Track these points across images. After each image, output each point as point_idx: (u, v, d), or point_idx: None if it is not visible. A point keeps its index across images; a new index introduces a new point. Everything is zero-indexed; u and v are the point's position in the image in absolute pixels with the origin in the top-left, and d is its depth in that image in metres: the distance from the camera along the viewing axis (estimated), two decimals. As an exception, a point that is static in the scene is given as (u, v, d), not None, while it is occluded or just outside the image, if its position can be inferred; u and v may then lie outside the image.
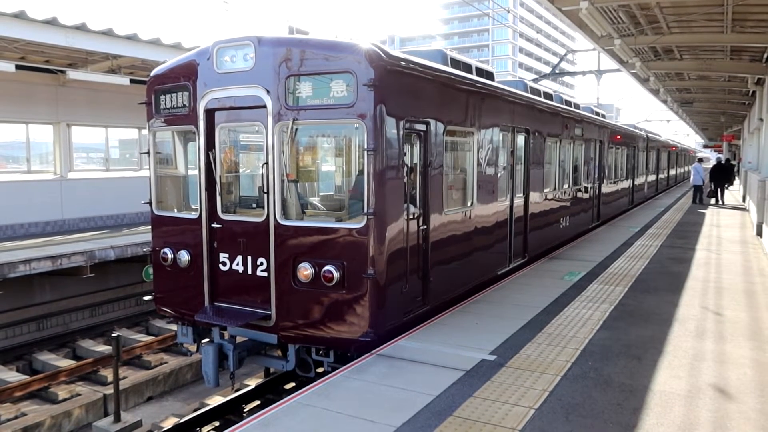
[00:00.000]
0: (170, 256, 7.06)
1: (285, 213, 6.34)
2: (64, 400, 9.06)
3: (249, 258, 6.51)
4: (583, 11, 12.71)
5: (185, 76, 6.87)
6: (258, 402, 7.97)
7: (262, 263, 6.43)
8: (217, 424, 7.56)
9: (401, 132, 6.31)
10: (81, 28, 12.92)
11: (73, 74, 14.01)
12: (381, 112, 5.92)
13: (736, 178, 34.40)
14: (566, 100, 13.89)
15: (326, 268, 6.00)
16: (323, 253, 6.10)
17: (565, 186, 13.20)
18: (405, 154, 6.42)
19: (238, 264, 6.59)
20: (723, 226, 16.72)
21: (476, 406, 4.73)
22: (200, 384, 9.56)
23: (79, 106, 15.37)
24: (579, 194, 14.35)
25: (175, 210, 7.44)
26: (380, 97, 5.88)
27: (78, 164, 16.33)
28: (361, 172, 6.11)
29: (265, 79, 6.22)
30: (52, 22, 12.34)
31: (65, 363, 10.39)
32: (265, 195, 6.32)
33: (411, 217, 6.64)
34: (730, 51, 17.16)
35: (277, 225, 6.28)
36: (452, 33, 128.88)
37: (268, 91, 6.20)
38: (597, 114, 16.98)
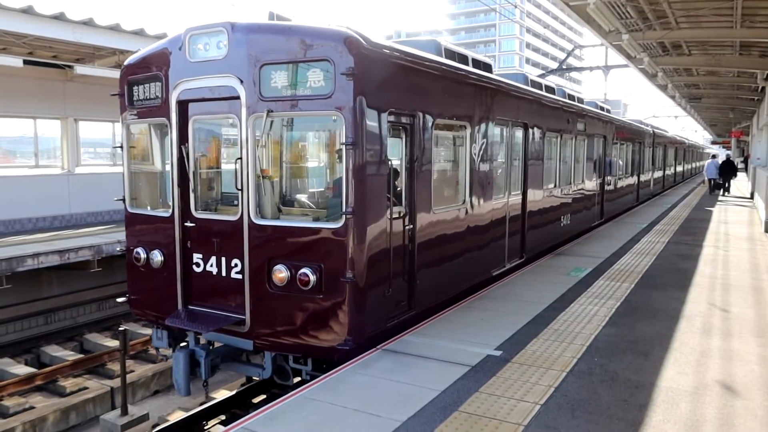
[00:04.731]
0: (143, 256, 6.76)
1: (259, 212, 5.98)
2: (72, 393, 9.13)
3: (223, 259, 6.17)
4: (590, 6, 12.66)
5: (157, 65, 6.51)
6: (264, 396, 8.01)
7: (236, 265, 6.08)
8: (223, 417, 7.60)
9: (384, 125, 5.92)
10: (88, 23, 12.96)
11: (80, 69, 14.06)
12: (361, 103, 5.53)
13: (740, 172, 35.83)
14: (569, 94, 13.49)
15: (302, 270, 5.65)
16: (299, 254, 5.75)
17: (567, 183, 12.71)
18: (389, 149, 6.05)
19: (212, 265, 6.27)
20: (731, 223, 16.63)
21: (482, 401, 4.73)
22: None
23: (87, 101, 15.43)
24: (581, 191, 13.95)
25: (149, 207, 7.13)
26: (360, 87, 5.49)
27: (85, 159, 16.41)
28: (339, 169, 5.75)
29: (239, 68, 5.84)
30: (59, 17, 12.39)
31: (73, 356, 10.46)
32: (239, 192, 5.98)
33: (396, 216, 6.28)
34: (739, 46, 17.03)
35: (251, 224, 5.92)
36: (459, 28, 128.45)
37: (241, 81, 5.83)
38: (601, 109, 16.62)
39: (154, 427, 7.75)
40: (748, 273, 9.76)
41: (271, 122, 5.91)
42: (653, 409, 4.60)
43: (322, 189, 6.87)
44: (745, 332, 6.59)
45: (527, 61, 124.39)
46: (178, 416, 7.68)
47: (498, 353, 5.81)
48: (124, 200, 7.11)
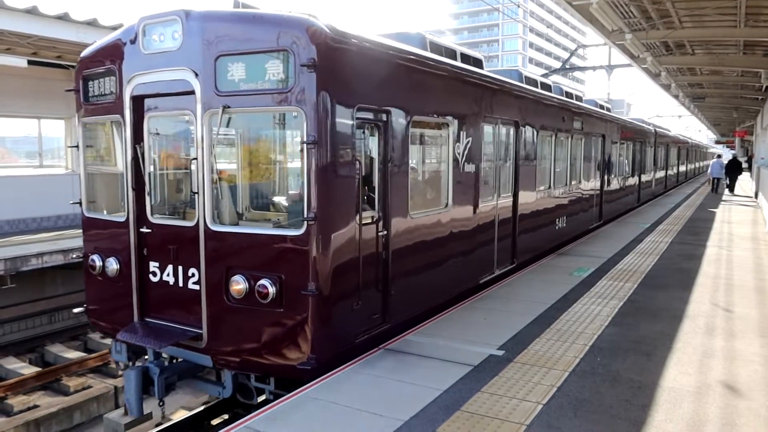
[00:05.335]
0: (98, 263, 6.33)
1: (216, 217, 5.54)
2: (76, 392, 9.17)
3: (180, 268, 5.73)
4: (593, 5, 12.64)
5: (111, 58, 6.06)
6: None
7: (193, 274, 5.65)
8: (226, 417, 7.61)
9: (352, 122, 5.42)
10: (92, 23, 12.99)
11: (84, 69, 14.07)
12: (324, 98, 5.05)
13: (744, 171, 36.63)
14: (566, 92, 13.04)
15: (261, 282, 5.18)
16: (259, 264, 5.29)
17: (562, 184, 12.16)
18: (357, 149, 5.58)
19: (168, 275, 5.82)
20: (734, 223, 16.59)
21: (484, 401, 4.73)
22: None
23: (90, 101, 15.47)
24: (578, 193, 13.39)
25: (105, 212, 6.67)
26: (324, 80, 5.02)
27: (89, 159, 16.47)
28: (300, 170, 5.24)
29: (194, 61, 5.38)
30: (63, 18, 12.43)
31: (76, 355, 10.50)
32: (195, 196, 5.53)
33: (367, 221, 5.80)
34: (743, 45, 16.99)
35: (208, 231, 5.47)
36: (462, 28, 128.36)
37: (196, 74, 5.37)
38: (601, 107, 16.20)
39: (157, 426, 7.78)
40: (752, 273, 9.73)
41: (229, 119, 5.46)
42: (655, 409, 4.60)
43: (285, 192, 6.47)
44: (749, 332, 6.58)
45: (530, 60, 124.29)
46: (181, 415, 7.70)
47: (500, 353, 5.81)
48: (80, 203, 6.71)
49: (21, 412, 8.47)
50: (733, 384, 5.13)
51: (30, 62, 12.91)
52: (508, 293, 8.14)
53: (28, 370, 9.81)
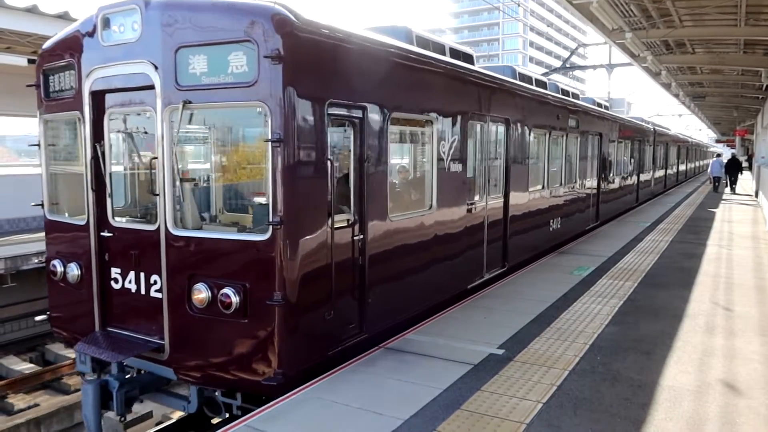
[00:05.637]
0: (59, 269, 6.08)
1: (178, 221, 5.26)
2: (77, 390, 9.17)
3: (142, 274, 5.44)
4: (594, 4, 12.63)
5: (71, 51, 5.78)
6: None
7: (155, 282, 5.35)
8: (227, 415, 7.61)
9: (323, 119, 5.09)
10: (92, 22, 13.02)
11: (84, 68, 14.08)
12: (291, 93, 4.74)
13: (745, 171, 37.07)
14: (563, 89, 12.83)
15: (223, 291, 4.88)
16: (222, 272, 5.00)
17: (556, 184, 11.85)
18: (330, 147, 5.25)
19: (130, 281, 5.53)
20: (735, 222, 16.60)
21: (484, 399, 4.74)
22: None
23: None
24: (574, 193, 13.10)
25: (67, 214, 6.36)
26: (291, 73, 4.71)
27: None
28: (266, 170, 4.92)
29: (153, 53, 5.07)
30: (63, 17, 12.43)
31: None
32: (157, 198, 5.25)
33: (341, 225, 5.49)
34: (743, 44, 16.98)
35: (169, 235, 5.17)
36: (462, 27, 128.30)
37: (156, 67, 5.07)
38: (599, 105, 15.97)
39: (157, 425, 7.79)
40: (752, 272, 9.74)
41: (191, 115, 5.20)
42: (655, 408, 4.60)
43: (251, 195, 6.17)
44: (749, 331, 6.59)
45: (531, 59, 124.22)
46: (181, 414, 7.71)
47: (500, 352, 5.82)
48: (42, 205, 6.45)
49: (21, 410, 8.47)
50: (732, 382, 5.14)
51: (30, 61, 12.90)
52: (508, 292, 8.15)
53: (29, 369, 9.82)
